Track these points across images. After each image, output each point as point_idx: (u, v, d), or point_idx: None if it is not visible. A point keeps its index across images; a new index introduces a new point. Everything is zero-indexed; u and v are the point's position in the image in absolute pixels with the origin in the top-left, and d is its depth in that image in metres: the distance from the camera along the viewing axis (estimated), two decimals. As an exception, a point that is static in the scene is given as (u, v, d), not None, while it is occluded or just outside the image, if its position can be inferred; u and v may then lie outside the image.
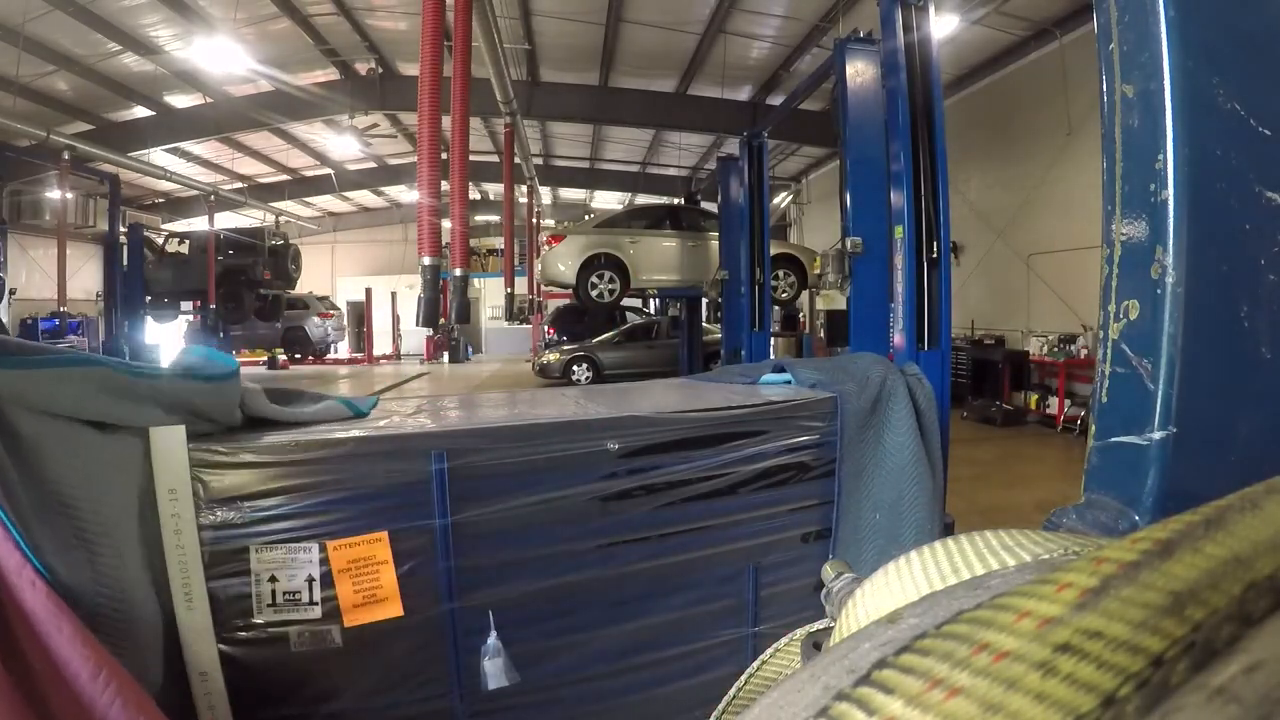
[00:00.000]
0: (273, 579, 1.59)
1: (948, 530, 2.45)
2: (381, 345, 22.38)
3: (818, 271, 10.85)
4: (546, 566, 1.81)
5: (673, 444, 1.93)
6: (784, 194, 18.20)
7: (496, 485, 1.74)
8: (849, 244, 5.33)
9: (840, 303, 10.60)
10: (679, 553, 1.95)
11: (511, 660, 1.73)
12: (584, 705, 1.86)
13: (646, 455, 1.89)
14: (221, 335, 15.25)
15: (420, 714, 1.72)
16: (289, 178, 18.83)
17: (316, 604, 1.61)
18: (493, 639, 1.73)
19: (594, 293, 10.49)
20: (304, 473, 1.62)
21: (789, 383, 2.43)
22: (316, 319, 19.40)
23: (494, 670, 1.72)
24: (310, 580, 1.60)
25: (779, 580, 2.10)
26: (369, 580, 1.64)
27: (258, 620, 1.59)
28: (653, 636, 1.92)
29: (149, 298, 13.75)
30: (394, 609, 1.66)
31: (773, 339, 11.48)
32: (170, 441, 1.55)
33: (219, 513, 1.57)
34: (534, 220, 15.23)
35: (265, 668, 1.61)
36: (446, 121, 4.30)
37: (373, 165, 18.99)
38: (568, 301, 15.63)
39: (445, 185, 4.43)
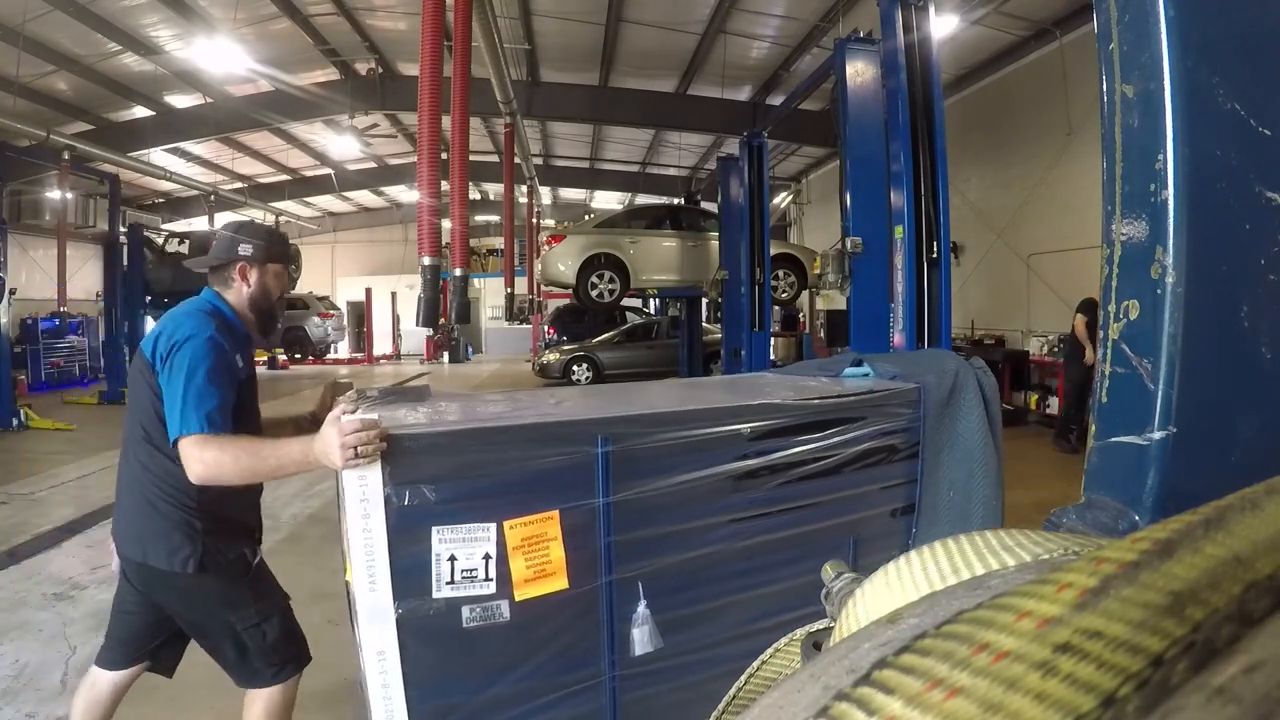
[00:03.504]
0: (452, 558, 1.69)
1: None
2: (381, 345, 22.37)
3: (818, 271, 10.85)
4: (687, 540, 1.97)
5: (793, 428, 2.13)
6: (784, 194, 18.20)
7: (649, 466, 1.90)
8: (849, 244, 5.33)
9: (840, 303, 10.59)
10: (794, 526, 2.14)
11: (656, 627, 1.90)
12: (711, 669, 1.97)
13: (772, 438, 2.09)
14: (221, 335, 15.21)
15: (575, 679, 1.85)
16: (289, 178, 18.83)
17: (491, 580, 1.72)
18: (642, 607, 1.88)
19: (594, 293, 10.48)
20: (484, 456, 1.74)
21: (867, 375, 2.65)
22: (316, 319, 19.39)
23: (641, 637, 1.87)
24: (487, 557, 1.72)
25: (873, 551, 2.29)
26: (540, 556, 1.76)
27: (437, 598, 1.69)
28: (772, 605, 2.06)
29: (149, 297, 13.73)
30: (560, 582, 1.78)
31: (772, 339, 11.49)
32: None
33: (406, 497, 1.65)
34: (534, 220, 15.24)
35: (437, 645, 1.71)
36: (446, 121, 4.30)
37: (373, 165, 18.98)
38: (568, 301, 15.62)
39: (445, 185, 4.43)
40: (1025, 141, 10.10)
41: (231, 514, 1.99)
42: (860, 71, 5.51)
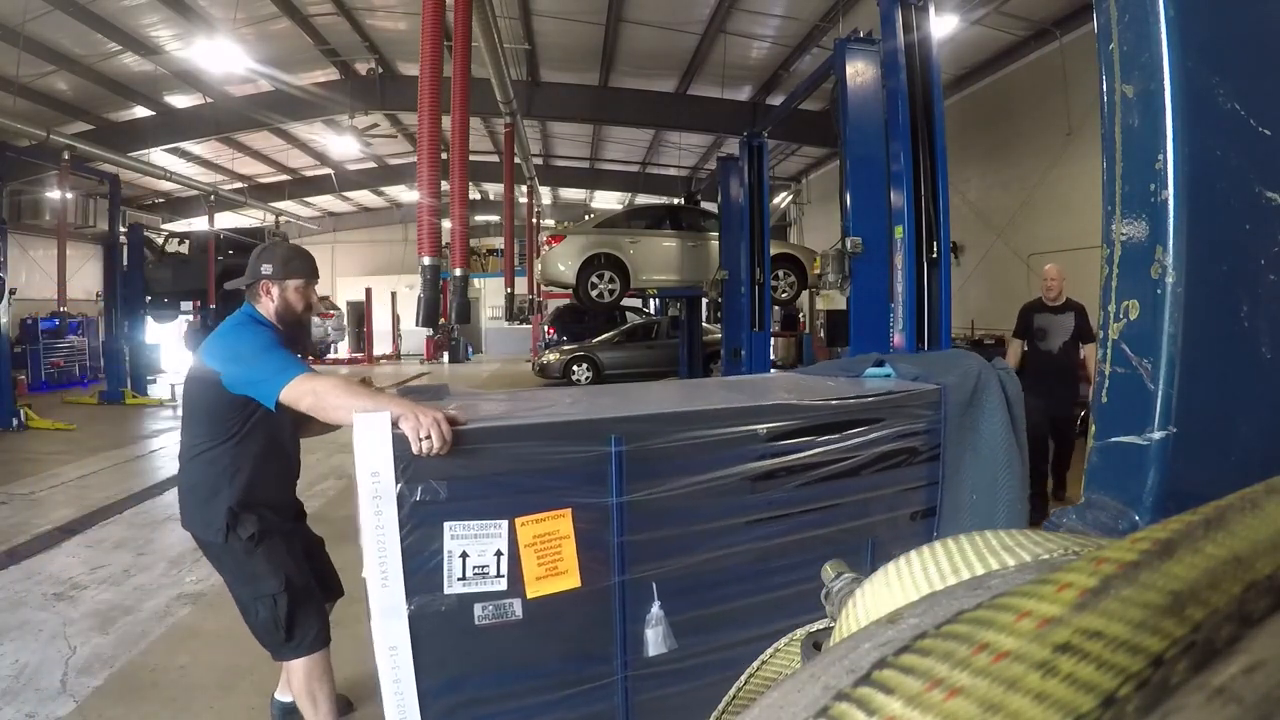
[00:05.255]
0: (464, 555, 1.71)
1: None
2: (381, 345, 22.36)
3: (818, 271, 10.84)
4: (702, 541, 1.96)
5: (811, 429, 2.11)
6: (784, 194, 18.19)
7: (663, 466, 1.89)
8: (849, 244, 5.32)
9: (840, 303, 10.58)
10: (811, 529, 2.13)
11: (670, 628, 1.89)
12: (725, 671, 1.98)
13: (789, 439, 2.07)
14: (221, 335, 15.23)
15: (587, 678, 1.86)
16: (289, 178, 18.82)
17: (503, 577, 1.73)
18: (656, 608, 1.88)
19: (594, 293, 10.47)
20: (498, 454, 1.75)
21: (889, 376, 2.63)
22: (316, 319, 19.38)
23: (655, 638, 1.88)
24: (498, 554, 1.73)
25: (892, 555, 2.26)
26: (552, 554, 1.77)
27: (449, 594, 1.70)
28: (788, 607, 2.04)
29: (149, 298, 13.73)
30: (572, 581, 1.79)
31: (772, 339, 11.48)
32: (375, 426, 1.65)
33: (418, 493, 1.66)
34: (534, 220, 15.22)
35: (449, 640, 1.72)
36: (446, 121, 4.29)
37: (373, 165, 18.97)
38: (568, 301, 15.62)
39: (445, 185, 4.43)
40: (1025, 141, 10.10)
41: (258, 493, 2.23)
42: (860, 71, 5.50)
